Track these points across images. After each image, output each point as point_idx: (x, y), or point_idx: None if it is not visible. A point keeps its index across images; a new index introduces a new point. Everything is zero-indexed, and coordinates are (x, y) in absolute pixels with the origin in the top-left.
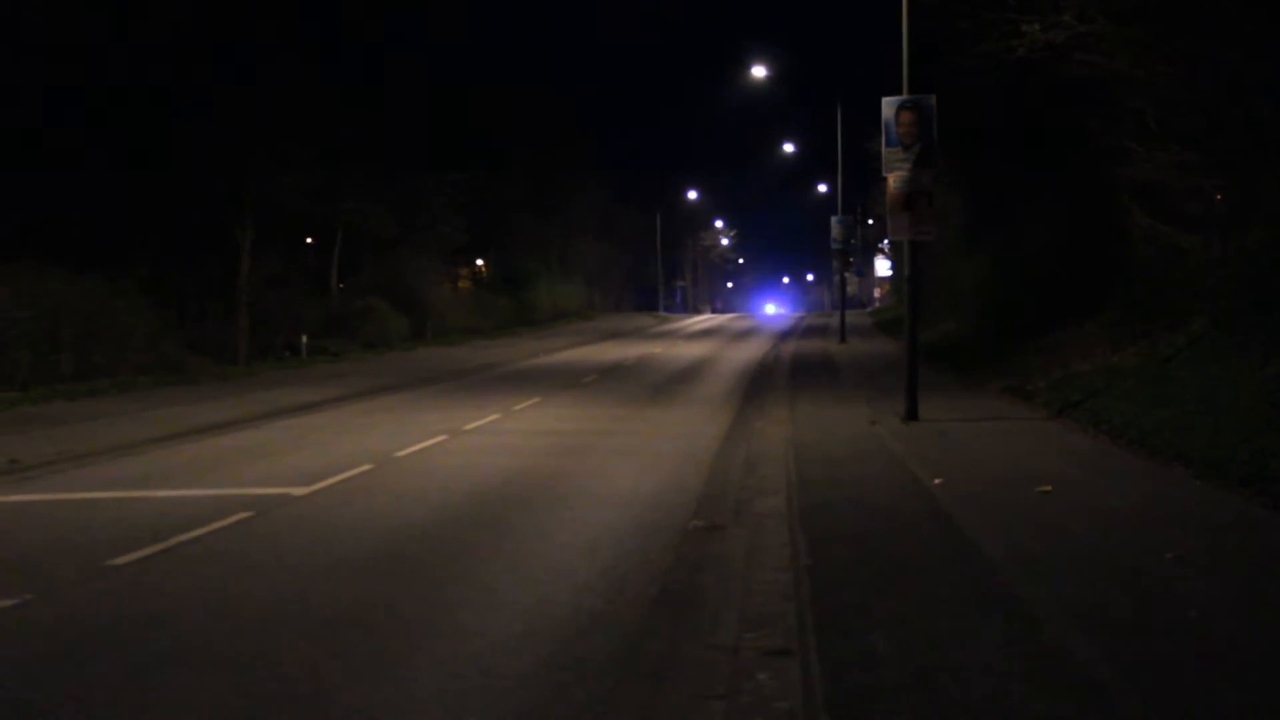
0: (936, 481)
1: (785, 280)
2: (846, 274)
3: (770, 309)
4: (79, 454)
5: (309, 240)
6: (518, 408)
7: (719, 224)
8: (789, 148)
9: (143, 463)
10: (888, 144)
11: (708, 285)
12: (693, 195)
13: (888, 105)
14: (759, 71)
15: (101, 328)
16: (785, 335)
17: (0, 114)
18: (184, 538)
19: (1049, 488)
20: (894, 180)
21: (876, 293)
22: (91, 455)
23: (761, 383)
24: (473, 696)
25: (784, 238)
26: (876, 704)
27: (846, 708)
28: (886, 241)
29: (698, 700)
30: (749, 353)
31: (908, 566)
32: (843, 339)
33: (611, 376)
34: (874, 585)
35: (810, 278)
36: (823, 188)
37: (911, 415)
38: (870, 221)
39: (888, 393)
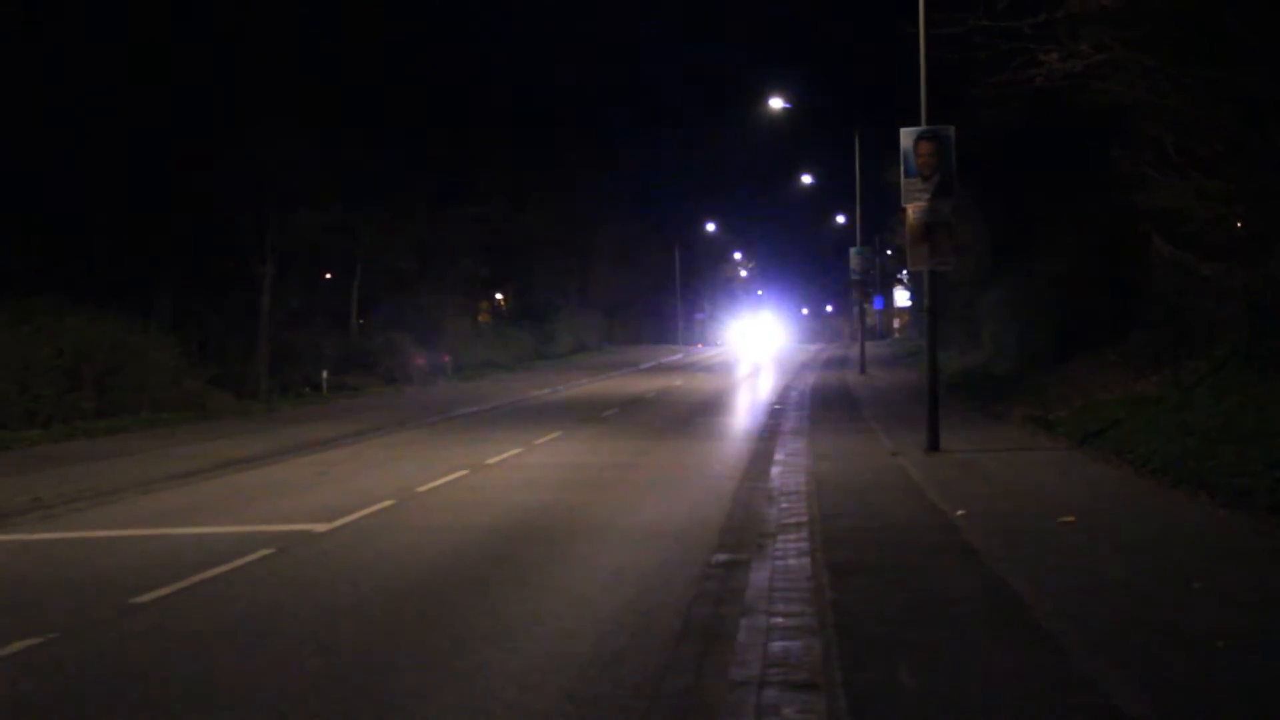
0: (959, 513)
1: (804, 312)
2: (865, 305)
3: (789, 340)
4: (101, 492)
5: (329, 276)
6: (539, 442)
7: (737, 256)
8: (807, 179)
9: (164, 500)
10: (906, 175)
11: (727, 317)
12: (711, 227)
13: (906, 136)
14: (777, 103)
15: (123, 365)
16: (805, 366)
17: (22, 153)
18: (206, 575)
19: (1072, 518)
20: (913, 211)
21: (896, 323)
22: (113, 493)
23: (782, 414)
24: None
25: (803, 269)
26: None
27: None
28: (905, 272)
29: None
30: (771, 384)
31: (932, 599)
32: (862, 370)
33: (631, 410)
34: (898, 618)
35: (829, 309)
36: (841, 219)
37: (933, 446)
38: (889, 252)
39: (909, 424)
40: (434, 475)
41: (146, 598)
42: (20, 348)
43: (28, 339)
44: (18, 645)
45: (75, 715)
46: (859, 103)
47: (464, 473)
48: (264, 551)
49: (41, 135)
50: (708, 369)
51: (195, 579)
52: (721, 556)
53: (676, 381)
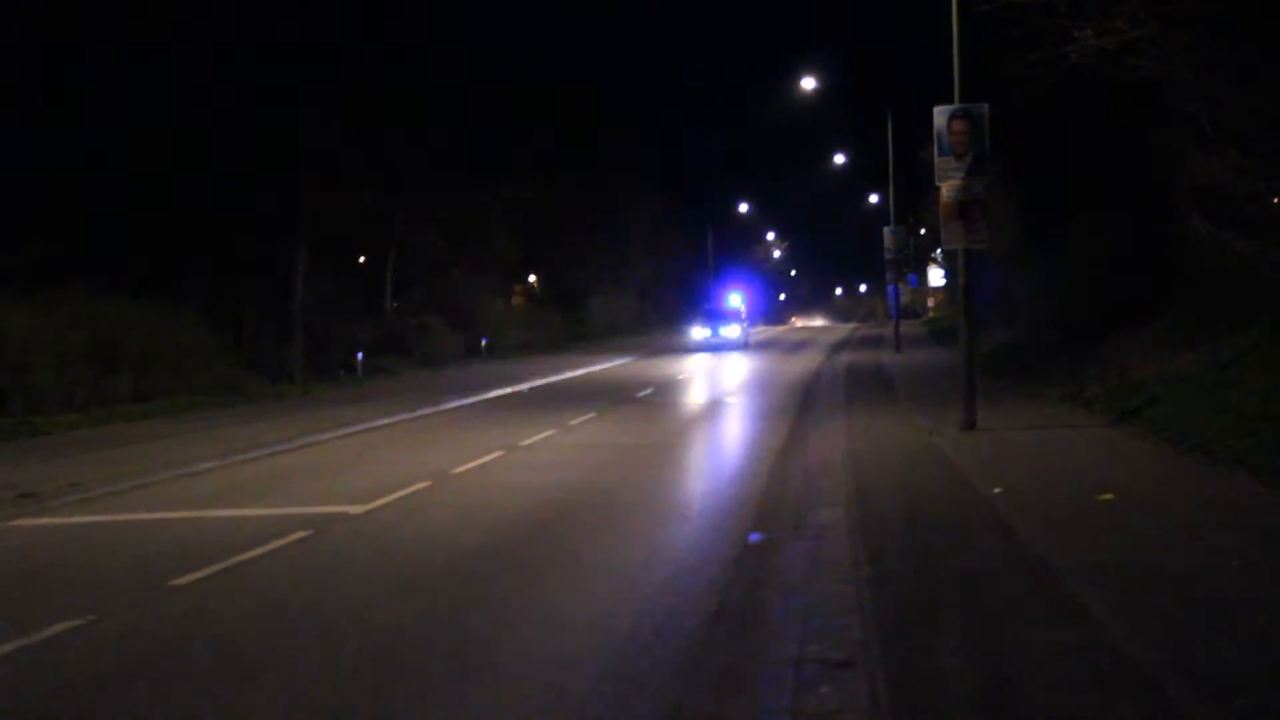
0: (996, 491)
1: (838, 292)
2: (900, 284)
3: (822, 320)
4: (138, 475)
5: (362, 260)
6: (573, 423)
7: (771, 236)
8: (840, 159)
9: (202, 483)
10: (940, 153)
11: (761, 298)
12: (744, 208)
13: (940, 114)
14: (808, 83)
15: (158, 350)
16: (840, 346)
17: (56, 142)
18: (244, 557)
19: (1110, 496)
20: (947, 189)
21: (930, 302)
22: (151, 476)
23: (817, 394)
24: (538, 713)
25: (836, 249)
26: (943, 716)
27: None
28: (940, 251)
29: (763, 714)
30: (804, 364)
31: (969, 577)
32: (898, 349)
33: (666, 391)
34: (936, 596)
35: (863, 289)
36: (875, 198)
37: (969, 424)
38: (923, 231)
39: (944, 402)
40: (470, 457)
41: (185, 580)
42: (57, 334)
43: (64, 325)
44: (59, 627)
45: (116, 696)
46: (892, 81)
47: (499, 454)
48: (301, 533)
49: (73, 124)
50: (741, 349)
51: (233, 561)
52: (758, 535)
53: (711, 362)
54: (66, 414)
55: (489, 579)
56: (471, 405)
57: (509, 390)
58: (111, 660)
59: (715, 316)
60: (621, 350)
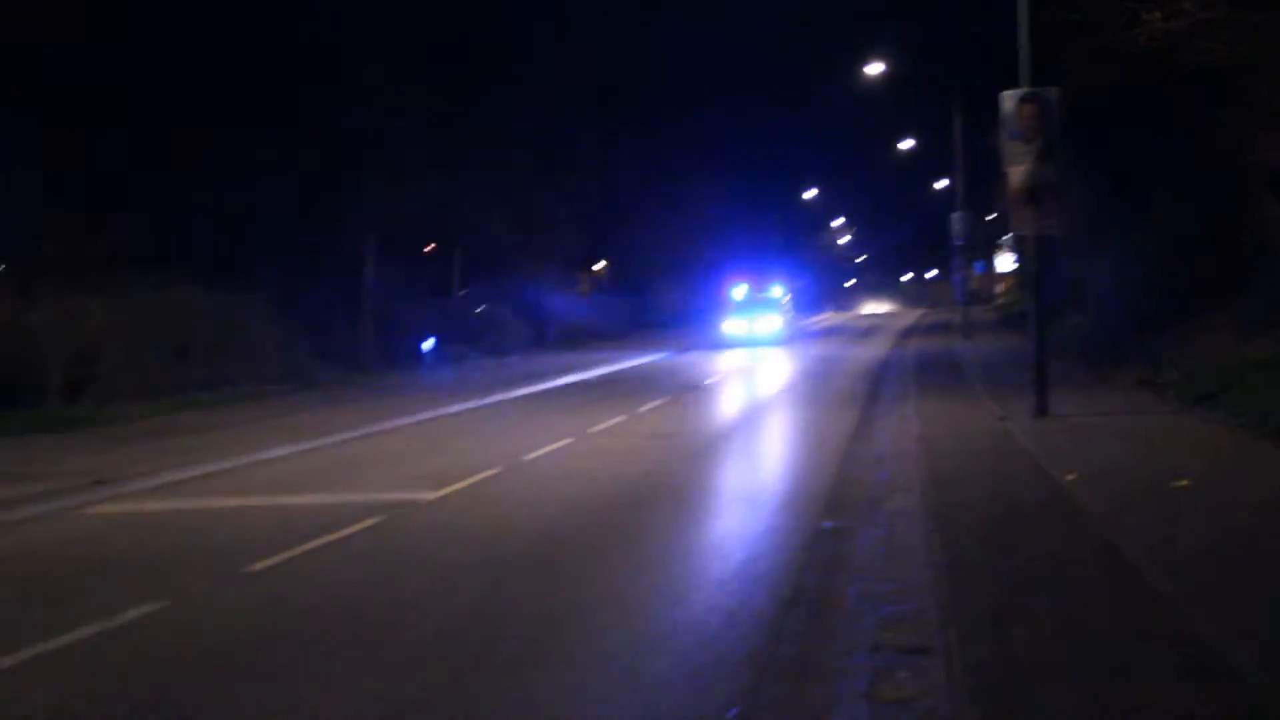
0: (1070, 477)
1: (906, 277)
2: (968, 270)
3: (890, 306)
4: (211, 462)
5: (430, 248)
6: (641, 410)
7: (837, 222)
8: (908, 143)
9: (274, 470)
10: (1009, 137)
11: (827, 284)
12: (811, 194)
13: (1008, 98)
14: (875, 68)
15: (230, 338)
16: (908, 333)
17: (129, 130)
18: (317, 543)
19: (1186, 482)
20: (1016, 174)
21: (999, 288)
22: (224, 463)
23: (886, 381)
24: (613, 698)
25: (904, 234)
26: (1022, 702)
27: (993, 706)
28: (1008, 236)
29: (840, 700)
30: (872, 351)
31: (1044, 563)
32: (966, 335)
33: (733, 377)
34: (1011, 582)
35: (931, 274)
36: (942, 183)
37: (1041, 411)
38: (992, 216)
39: (1015, 388)
40: (539, 443)
41: (259, 566)
42: (129, 323)
43: (137, 314)
44: (133, 613)
45: (193, 680)
46: (959, 65)
47: (569, 440)
48: (373, 520)
49: (147, 114)
50: (809, 335)
51: (307, 547)
52: (829, 522)
53: (769, 352)
54: (140, 402)
55: (561, 565)
56: (539, 392)
57: (576, 377)
58: (189, 645)
59: (750, 306)
60: (688, 337)
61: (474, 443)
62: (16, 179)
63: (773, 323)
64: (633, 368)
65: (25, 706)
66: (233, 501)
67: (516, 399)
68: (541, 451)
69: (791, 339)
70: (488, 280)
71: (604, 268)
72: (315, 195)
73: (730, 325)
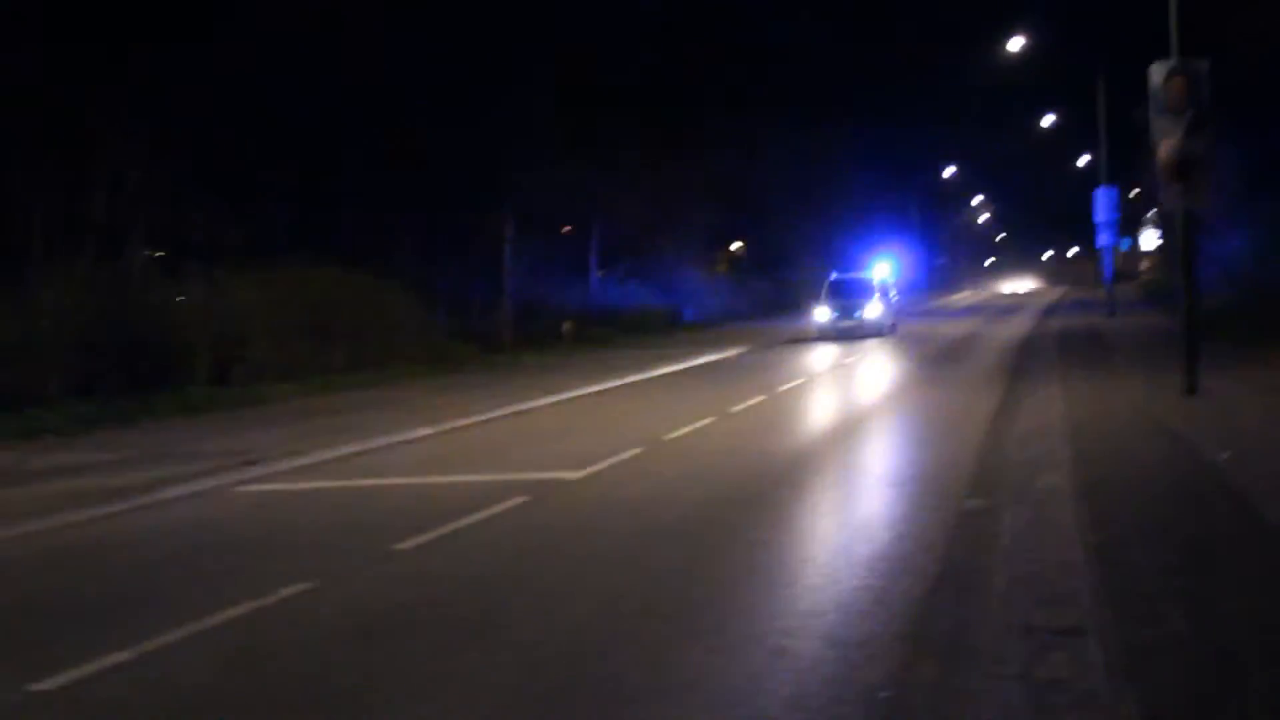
0: (1224, 456)
1: (1047, 255)
2: (1112, 247)
3: (1030, 284)
4: (356, 442)
5: (568, 229)
6: (782, 389)
7: (977, 200)
8: (1050, 118)
9: (418, 450)
10: (1156, 112)
11: (967, 262)
12: (950, 172)
13: (1156, 71)
14: (1016, 42)
15: (372, 320)
16: (1050, 310)
17: (271, 118)
18: (464, 522)
19: None
20: (1164, 149)
21: (1143, 265)
22: (368, 443)
23: (1030, 358)
24: (764, 677)
25: (1045, 211)
26: (1182, 684)
27: (1152, 688)
28: (1153, 212)
29: (993, 680)
30: (1014, 329)
31: (1199, 544)
32: (1111, 312)
33: (873, 354)
34: (1166, 563)
35: (1073, 251)
36: (1085, 159)
37: (1190, 388)
38: (1136, 192)
39: (1163, 366)
40: (680, 423)
41: (407, 544)
42: (275, 305)
43: (281, 297)
44: (285, 591)
45: (346, 658)
46: (1103, 37)
47: (710, 420)
48: (519, 499)
49: (288, 98)
50: (950, 314)
51: (453, 526)
52: (975, 501)
53: (919, 326)
54: (284, 383)
55: (706, 544)
56: (678, 372)
57: (715, 357)
58: (340, 623)
59: (846, 292)
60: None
61: (615, 422)
62: (166, 166)
63: (871, 310)
64: (771, 346)
65: (183, 684)
66: (378, 481)
67: (655, 378)
68: (682, 431)
69: (862, 340)
70: (625, 260)
71: (741, 248)
72: (455, 178)
73: (821, 314)
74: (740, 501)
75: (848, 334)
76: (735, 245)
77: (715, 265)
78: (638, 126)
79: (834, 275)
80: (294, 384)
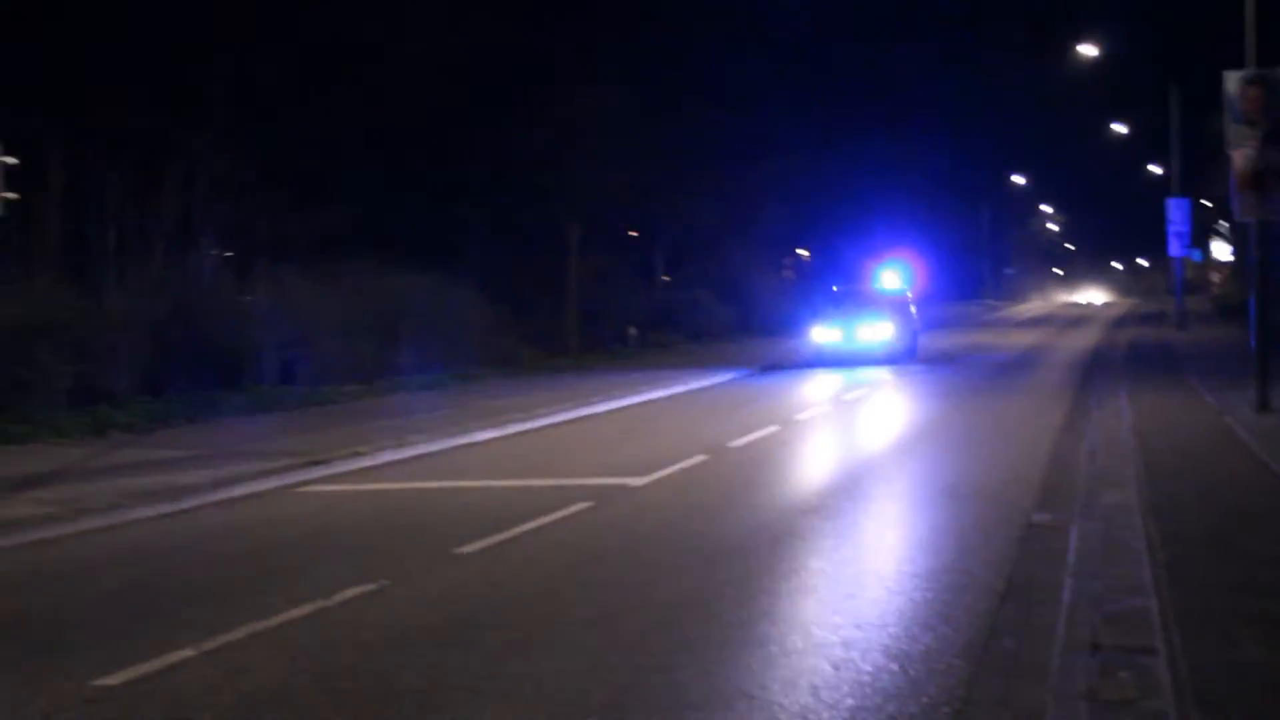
0: None
1: (1116, 266)
2: (1183, 258)
3: (1099, 296)
4: (421, 444)
5: (634, 234)
6: (847, 398)
7: (1045, 209)
8: (1120, 128)
9: (483, 453)
10: (1232, 121)
11: (1035, 273)
12: (1019, 181)
13: (1231, 80)
14: (1088, 50)
15: (437, 322)
16: (1119, 323)
17: (344, 125)
18: (527, 527)
19: None
20: (1240, 158)
21: (1215, 277)
22: (433, 445)
23: (1097, 371)
24: (825, 688)
25: (1115, 223)
26: (1250, 707)
27: (1222, 710)
28: (1225, 224)
29: (1059, 698)
30: (1082, 341)
31: (1272, 564)
32: (1181, 325)
33: (940, 364)
34: (1237, 583)
35: (1143, 262)
36: (1156, 169)
37: (1263, 404)
38: (1208, 204)
39: (1234, 381)
40: (744, 430)
41: (471, 548)
42: (341, 306)
43: (348, 297)
44: (350, 592)
45: (407, 660)
46: (1175, 47)
47: (774, 428)
48: (582, 505)
49: (357, 101)
50: (1017, 325)
51: (517, 530)
52: (1042, 516)
53: (986, 337)
54: (350, 384)
55: (768, 553)
56: (744, 379)
57: (780, 364)
58: (403, 625)
59: (853, 306)
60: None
61: (680, 429)
62: (235, 166)
63: (880, 331)
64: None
65: (246, 683)
66: (442, 484)
67: (720, 385)
68: (748, 438)
69: (872, 367)
70: (691, 266)
71: (809, 255)
72: (522, 181)
73: (821, 333)
74: (801, 511)
75: (852, 360)
76: (803, 252)
77: (783, 271)
78: (703, 129)
79: (840, 286)
80: (360, 384)
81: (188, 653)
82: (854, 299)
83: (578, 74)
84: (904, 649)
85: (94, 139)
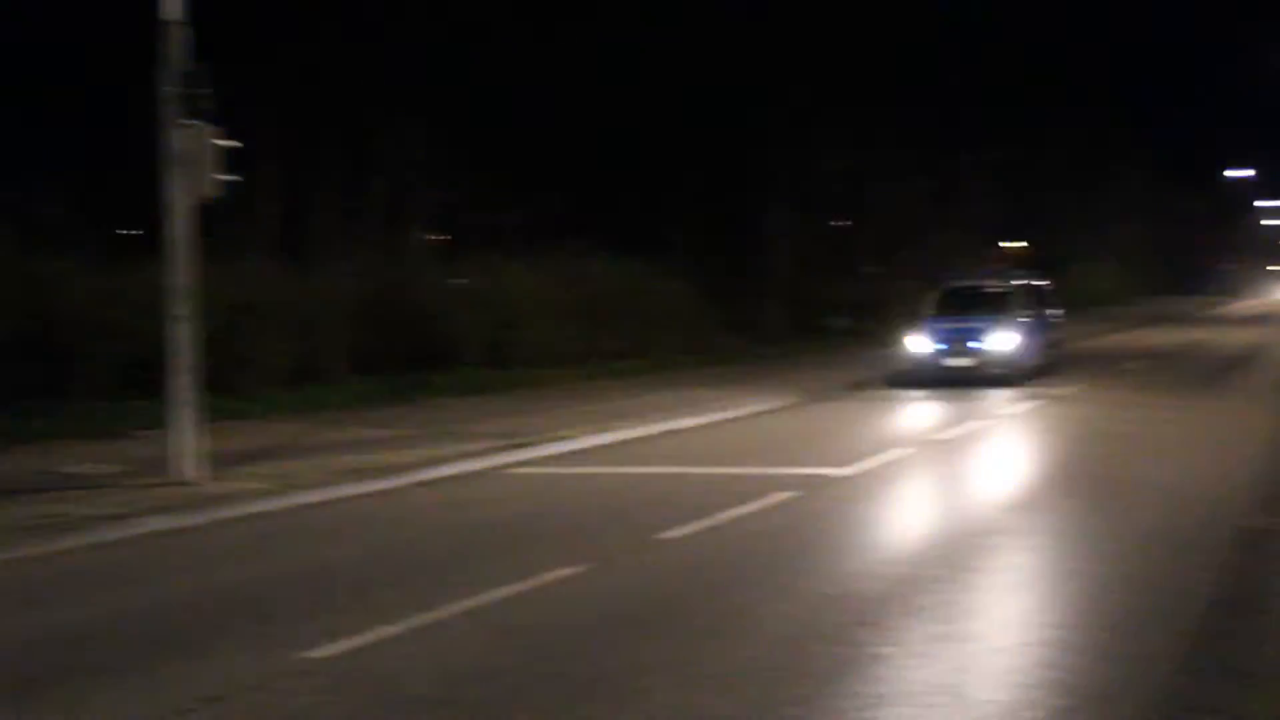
0: None
1: None
2: None
3: None
4: (624, 429)
5: (837, 223)
6: (1055, 392)
7: (1269, 204)
8: None
9: (683, 440)
10: None
11: (1260, 268)
12: (1240, 174)
13: None
14: None
15: (642, 308)
16: None
17: (547, 102)
18: (729, 515)
19: None
20: None
21: None
22: (636, 431)
23: None
24: (1031, 688)
25: None
26: None
27: None
28: None
29: (1272, 706)
30: None
31: None
32: None
33: (1154, 363)
34: None
35: None
36: None
37: None
38: None
39: None
40: (951, 424)
41: (671, 534)
42: (548, 290)
43: (556, 283)
44: (554, 574)
45: (607, 644)
46: None
47: (984, 422)
48: (785, 494)
49: (566, 86)
50: (1236, 321)
51: (719, 518)
52: (1257, 521)
53: (1201, 334)
54: (556, 368)
55: (974, 545)
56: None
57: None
58: (604, 608)
59: (959, 312)
60: (1105, 320)
61: (888, 419)
62: (446, 151)
63: (999, 341)
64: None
65: (449, 660)
66: (645, 469)
67: None
68: (954, 432)
69: (987, 389)
70: (898, 254)
71: (1019, 247)
72: (726, 167)
73: (915, 342)
74: (1007, 507)
75: (956, 378)
76: (1014, 244)
77: (992, 263)
78: (912, 121)
79: (951, 283)
80: (565, 369)
81: (393, 629)
82: (961, 301)
83: (789, 68)
84: (1112, 649)
85: (309, 123)
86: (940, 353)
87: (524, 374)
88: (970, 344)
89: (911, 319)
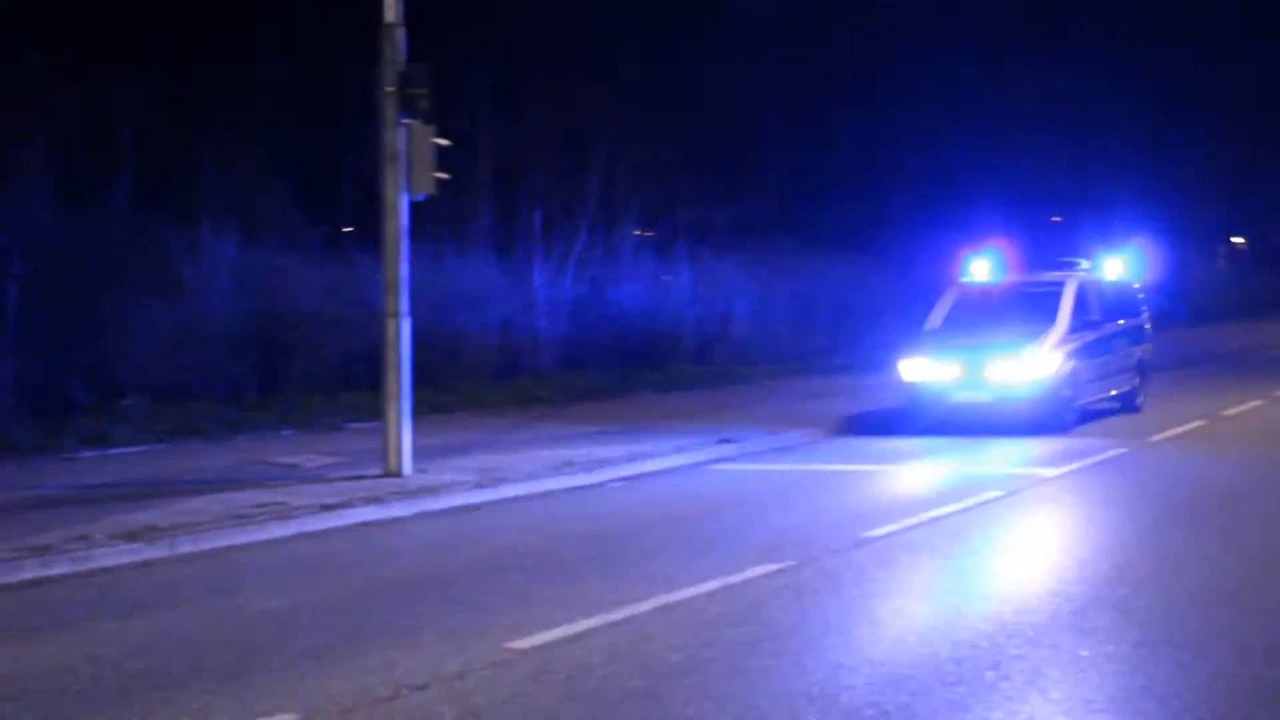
0: None
1: None
2: None
3: None
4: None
5: (1059, 218)
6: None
7: None
8: None
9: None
10: None
11: None
12: None
13: None
14: None
15: (854, 305)
16: None
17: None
18: (936, 513)
19: None
20: None
21: None
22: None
23: None
24: (1241, 696)
25: None
26: None
27: None
28: None
29: None
30: None
31: None
32: None
33: None
34: None
35: None
36: None
37: None
38: None
39: None
40: (1169, 424)
41: (878, 531)
42: (759, 288)
43: (766, 280)
44: (757, 570)
45: (808, 643)
46: None
47: (1200, 422)
48: (993, 493)
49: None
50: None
51: (925, 516)
52: None
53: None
54: (765, 364)
55: (1162, 546)
56: (1166, 371)
57: (1212, 356)
58: (807, 606)
59: (980, 321)
60: None
61: (1100, 419)
62: (659, 147)
63: (1024, 369)
64: (1272, 347)
65: (647, 655)
66: (853, 466)
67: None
68: (1173, 431)
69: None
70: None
71: (1243, 243)
72: (941, 161)
73: (911, 368)
74: (1216, 502)
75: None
76: (1237, 240)
77: (1217, 260)
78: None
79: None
80: (775, 365)
81: (593, 621)
82: (982, 305)
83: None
84: None
85: (524, 122)
86: (947, 383)
87: (734, 369)
88: (989, 370)
89: (911, 333)
